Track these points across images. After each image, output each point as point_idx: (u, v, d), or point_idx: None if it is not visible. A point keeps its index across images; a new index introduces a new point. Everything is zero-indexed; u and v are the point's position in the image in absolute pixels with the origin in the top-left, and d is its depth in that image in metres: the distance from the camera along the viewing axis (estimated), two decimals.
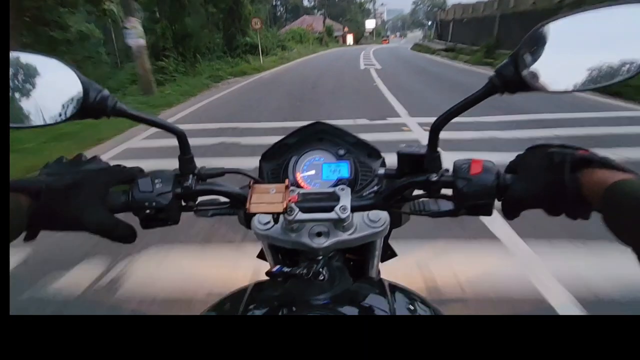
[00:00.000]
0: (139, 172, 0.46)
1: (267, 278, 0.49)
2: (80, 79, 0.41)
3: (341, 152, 0.63)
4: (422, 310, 0.49)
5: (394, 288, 0.51)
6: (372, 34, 56.41)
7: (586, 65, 0.38)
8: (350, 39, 45.47)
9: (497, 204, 0.44)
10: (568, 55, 0.39)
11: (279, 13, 45.51)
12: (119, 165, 0.46)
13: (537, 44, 0.39)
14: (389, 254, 0.68)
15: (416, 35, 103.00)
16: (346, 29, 43.96)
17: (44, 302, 1.64)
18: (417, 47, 27.41)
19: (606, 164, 0.36)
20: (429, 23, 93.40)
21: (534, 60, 0.39)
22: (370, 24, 56.14)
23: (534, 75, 0.39)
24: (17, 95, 0.42)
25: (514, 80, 0.39)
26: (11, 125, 0.40)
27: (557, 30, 0.39)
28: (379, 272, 0.65)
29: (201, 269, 1.87)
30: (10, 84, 0.41)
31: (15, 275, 1.76)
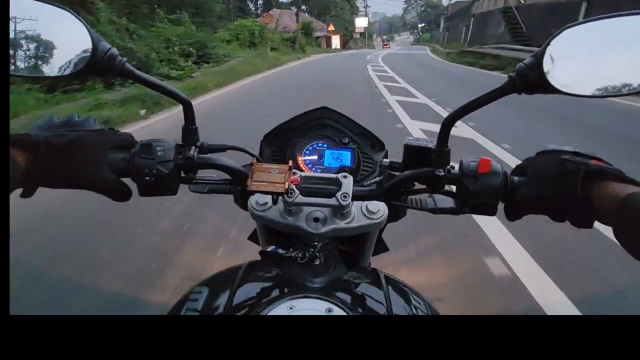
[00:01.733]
0: (131, 138, 0.47)
1: (260, 259, 0.51)
2: (90, 34, 0.41)
3: (345, 140, 0.64)
4: (415, 302, 0.50)
5: (388, 279, 0.52)
6: (363, 36, 43.74)
7: (612, 72, 0.39)
8: (336, 41, 32.58)
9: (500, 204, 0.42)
10: (594, 59, 0.40)
11: (251, 7, 36.50)
12: (113, 129, 0.46)
13: (563, 46, 0.39)
14: (381, 247, 0.68)
15: (403, 38, 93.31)
16: (331, 28, 31.10)
17: (44, 302, 1.61)
18: (464, 57, 14.57)
19: (619, 176, 0.37)
20: (422, 25, 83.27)
21: (559, 62, 0.39)
22: (361, 22, 43.72)
23: (558, 78, 0.39)
24: (24, 44, 0.42)
25: (536, 81, 0.39)
26: (15, 73, 0.41)
27: (584, 34, 0.39)
28: (369, 265, 0.65)
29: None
30: (19, 33, 0.41)
31: (15, 273, 1.73)
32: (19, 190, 0.39)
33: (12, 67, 0.40)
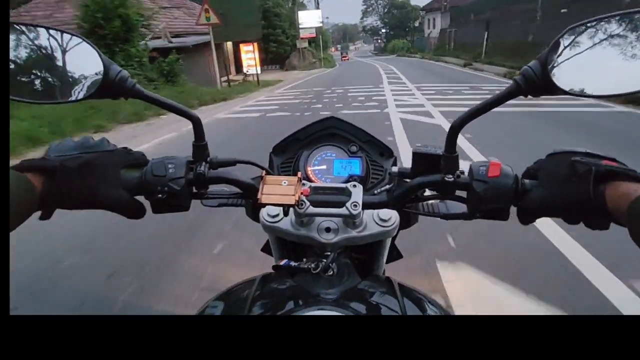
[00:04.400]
0: (143, 156, 0.51)
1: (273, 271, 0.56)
2: (101, 58, 0.46)
3: (353, 148, 0.67)
4: (431, 311, 0.51)
5: (402, 287, 0.53)
6: (315, 45, 23.43)
7: (617, 70, 0.40)
8: (249, 59, 11.44)
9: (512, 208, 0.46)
10: (599, 58, 0.40)
11: None
12: (126, 148, 0.50)
13: (567, 47, 0.40)
14: (394, 255, 0.71)
15: (358, 47, 75.56)
16: (211, 18, 9.96)
17: (44, 302, 1.68)
18: None
19: (632, 176, 0.37)
20: (385, 30, 63.80)
21: (564, 63, 0.40)
22: (309, 19, 23.27)
23: (564, 79, 0.40)
24: (37, 71, 0.45)
25: (541, 83, 0.41)
26: (28, 100, 0.45)
27: (587, 33, 0.40)
28: (384, 273, 0.68)
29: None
30: (36, 60, 0.45)
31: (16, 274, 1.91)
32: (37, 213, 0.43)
33: (29, 94, 0.44)
